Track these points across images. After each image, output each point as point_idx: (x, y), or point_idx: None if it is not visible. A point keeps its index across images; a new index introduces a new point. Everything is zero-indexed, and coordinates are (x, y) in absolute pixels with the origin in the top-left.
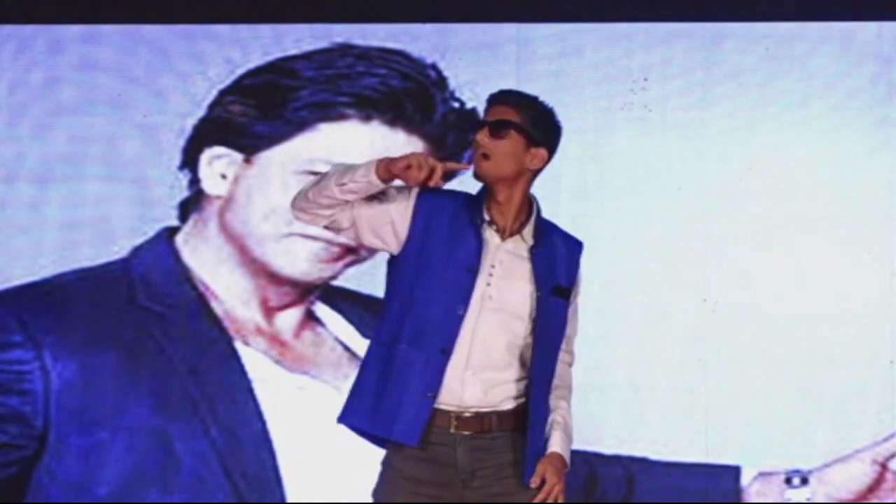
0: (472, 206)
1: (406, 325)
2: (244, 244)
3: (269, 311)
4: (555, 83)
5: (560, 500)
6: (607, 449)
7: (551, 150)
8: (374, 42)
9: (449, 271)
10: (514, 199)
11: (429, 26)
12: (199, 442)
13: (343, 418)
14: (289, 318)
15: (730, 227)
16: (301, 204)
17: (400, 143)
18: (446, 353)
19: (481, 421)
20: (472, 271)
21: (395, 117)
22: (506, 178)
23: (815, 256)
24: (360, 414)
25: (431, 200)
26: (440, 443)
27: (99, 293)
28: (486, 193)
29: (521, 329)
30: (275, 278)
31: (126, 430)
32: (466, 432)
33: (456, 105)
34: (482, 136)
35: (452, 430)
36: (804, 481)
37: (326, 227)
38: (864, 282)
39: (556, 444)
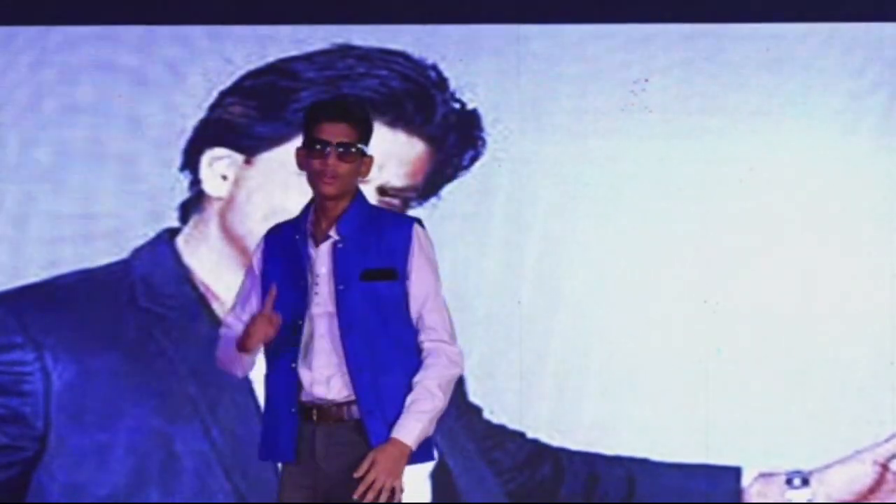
0: (297, 225)
1: (268, 353)
2: (245, 245)
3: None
4: (555, 84)
5: (385, 496)
6: (608, 450)
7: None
8: (375, 43)
9: (294, 287)
10: (342, 204)
11: (430, 27)
12: (200, 443)
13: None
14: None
15: (731, 229)
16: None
17: (400, 144)
18: (294, 364)
19: (329, 412)
20: (301, 287)
21: (396, 118)
22: (348, 193)
23: (816, 257)
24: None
25: (266, 243)
26: (304, 437)
27: (99, 294)
28: (315, 206)
29: (335, 324)
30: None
31: (127, 430)
32: (322, 424)
33: (457, 106)
34: (333, 162)
35: (311, 422)
36: (805, 482)
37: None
38: (864, 283)
39: (396, 429)
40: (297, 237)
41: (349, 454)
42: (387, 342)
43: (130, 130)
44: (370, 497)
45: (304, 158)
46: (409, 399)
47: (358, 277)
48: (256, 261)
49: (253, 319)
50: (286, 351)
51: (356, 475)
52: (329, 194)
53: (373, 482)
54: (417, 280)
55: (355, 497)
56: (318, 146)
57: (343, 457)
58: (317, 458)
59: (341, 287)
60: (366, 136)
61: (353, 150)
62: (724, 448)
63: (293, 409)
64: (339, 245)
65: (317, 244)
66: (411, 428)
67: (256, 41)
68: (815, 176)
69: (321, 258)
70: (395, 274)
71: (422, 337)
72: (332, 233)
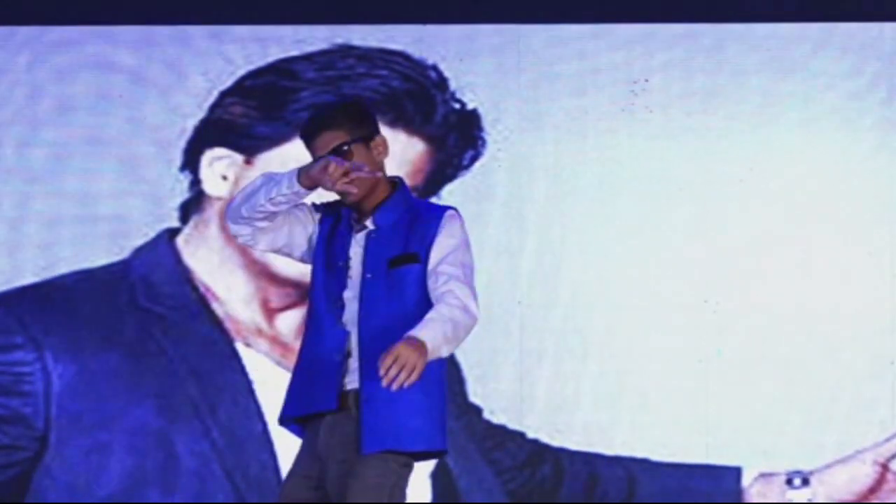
0: (342, 210)
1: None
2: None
3: (270, 313)
4: (556, 85)
5: (403, 377)
6: (608, 450)
7: (379, 129)
8: (375, 43)
9: (330, 270)
10: (379, 195)
11: (430, 27)
12: (200, 443)
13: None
14: (290, 320)
15: (731, 228)
16: (236, 220)
17: (401, 143)
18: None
19: (345, 399)
20: (344, 267)
21: (396, 118)
22: (374, 182)
23: (817, 257)
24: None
25: (321, 210)
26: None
27: (100, 294)
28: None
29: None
30: (276, 279)
31: (127, 431)
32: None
33: (457, 106)
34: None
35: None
36: (805, 482)
37: (263, 250)
38: (864, 282)
39: (415, 329)
40: (343, 221)
41: (346, 449)
42: (401, 333)
43: (130, 130)
44: (384, 382)
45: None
46: (432, 312)
47: (386, 266)
48: (316, 208)
49: (331, 158)
50: (330, 322)
51: (381, 363)
52: (354, 200)
53: (398, 368)
54: (438, 247)
55: (381, 374)
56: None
57: (337, 451)
58: (318, 445)
59: (369, 275)
60: (357, 127)
61: (347, 148)
62: (725, 448)
63: (338, 358)
64: (373, 235)
65: (355, 231)
66: (431, 328)
67: (257, 41)
68: (814, 175)
69: (355, 246)
70: (417, 257)
71: (437, 284)
72: (369, 223)
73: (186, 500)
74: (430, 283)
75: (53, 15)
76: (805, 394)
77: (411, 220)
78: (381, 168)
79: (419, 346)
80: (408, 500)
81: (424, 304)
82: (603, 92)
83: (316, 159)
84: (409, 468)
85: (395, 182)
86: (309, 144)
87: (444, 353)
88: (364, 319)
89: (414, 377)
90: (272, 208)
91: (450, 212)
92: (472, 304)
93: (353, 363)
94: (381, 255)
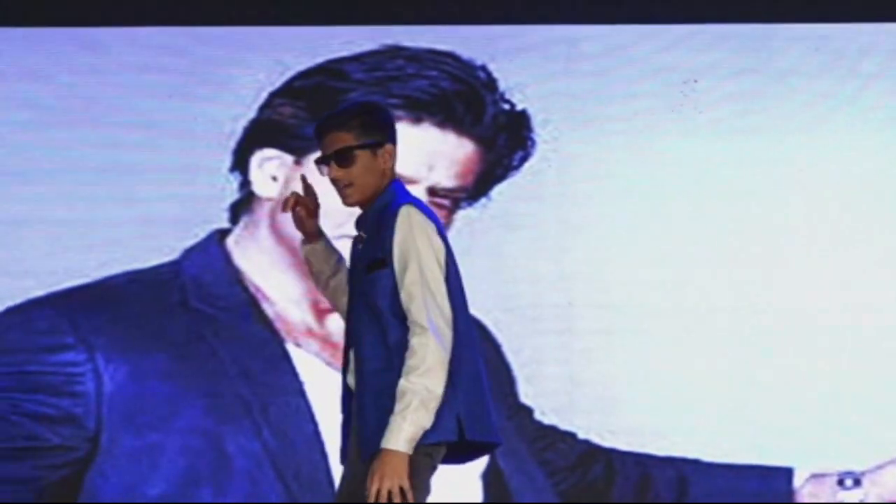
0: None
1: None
2: (295, 246)
3: (320, 313)
4: (604, 85)
5: (396, 499)
6: (659, 450)
7: (393, 139)
8: (424, 44)
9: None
10: (380, 200)
11: (479, 28)
12: (252, 443)
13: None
14: (340, 320)
15: (779, 229)
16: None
17: (450, 144)
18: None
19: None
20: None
21: (446, 119)
22: (375, 191)
23: (865, 258)
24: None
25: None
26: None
27: (150, 295)
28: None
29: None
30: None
31: (178, 431)
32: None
33: (506, 107)
34: (334, 172)
35: None
36: (857, 483)
37: None
38: None
39: (382, 440)
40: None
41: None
42: (375, 336)
43: (180, 132)
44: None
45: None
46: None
47: (365, 271)
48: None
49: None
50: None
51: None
52: (350, 204)
53: (377, 491)
54: (399, 268)
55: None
56: (321, 164)
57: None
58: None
59: (355, 283)
60: (366, 133)
61: (350, 153)
62: (776, 449)
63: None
64: (359, 245)
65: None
66: (394, 432)
67: (306, 42)
68: (865, 176)
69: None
70: (385, 262)
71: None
72: (361, 233)
73: (238, 501)
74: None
75: (108, 17)
76: (857, 394)
77: (378, 221)
78: (384, 178)
79: (391, 460)
80: (460, 501)
81: (394, 315)
82: (652, 92)
83: (318, 159)
84: (429, 457)
85: (382, 188)
86: (318, 142)
87: (427, 425)
88: (351, 324)
89: (405, 484)
90: (322, 287)
91: (402, 209)
92: (426, 345)
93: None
94: (362, 262)
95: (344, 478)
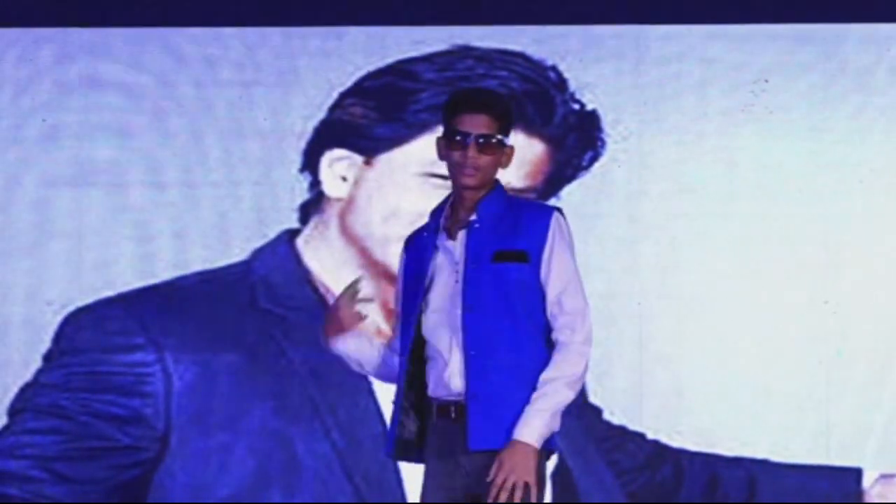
0: (430, 224)
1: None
2: (365, 246)
3: (390, 314)
4: (674, 85)
5: (518, 496)
6: (728, 451)
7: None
8: (494, 44)
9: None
10: (481, 193)
11: (549, 28)
12: (321, 444)
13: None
14: None
15: (850, 230)
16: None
17: (519, 145)
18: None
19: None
20: (421, 279)
21: (516, 119)
22: (489, 183)
23: None
24: None
25: (405, 249)
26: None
27: (219, 295)
28: (452, 200)
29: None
30: (396, 281)
31: (247, 432)
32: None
33: (576, 107)
34: (473, 153)
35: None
36: None
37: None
38: None
39: (517, 429)
40: (427, 234)
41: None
42: (508, 324)
43: (250, 132)
44: (503, 497)
45: (445, 149)
46: (534, 395)
47: (489, 259)
48: (398, 270)
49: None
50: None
51: (488, 479)
52: (469, 185)
53: (503, 483)
54: (558, 265)
55: (489, 500)
56: (459, 137)
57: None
58: (457, 455)
59: (472, 266)
60: (506, 128)
61: (494, 141)
62: (845, 449)
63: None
64: (476, 226)
65: (453, 235)
66: (533, 426)
67: (376, 42)
68: None
69: (458, 246)
70: (526, 257)
71: (557, 324)
72: (472, 217)
73: (308, 501)
74: (551, 311)
75: (177, 18)
76: None
77: (514, 215)
78: (495, 177)
79: (524, 452)
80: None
81: (532, 309)
82: (722, 92)
83: (457, 132)
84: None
85: (493, 181)
86: (456, 114)
87: (557, 429)
88: (468, 310)
89: (531, 480)
90: (358, 369)
91: (557, 213)
92: (586, 352)
93: (455, 364)
94: (484, 247)
95: (431, 474)
